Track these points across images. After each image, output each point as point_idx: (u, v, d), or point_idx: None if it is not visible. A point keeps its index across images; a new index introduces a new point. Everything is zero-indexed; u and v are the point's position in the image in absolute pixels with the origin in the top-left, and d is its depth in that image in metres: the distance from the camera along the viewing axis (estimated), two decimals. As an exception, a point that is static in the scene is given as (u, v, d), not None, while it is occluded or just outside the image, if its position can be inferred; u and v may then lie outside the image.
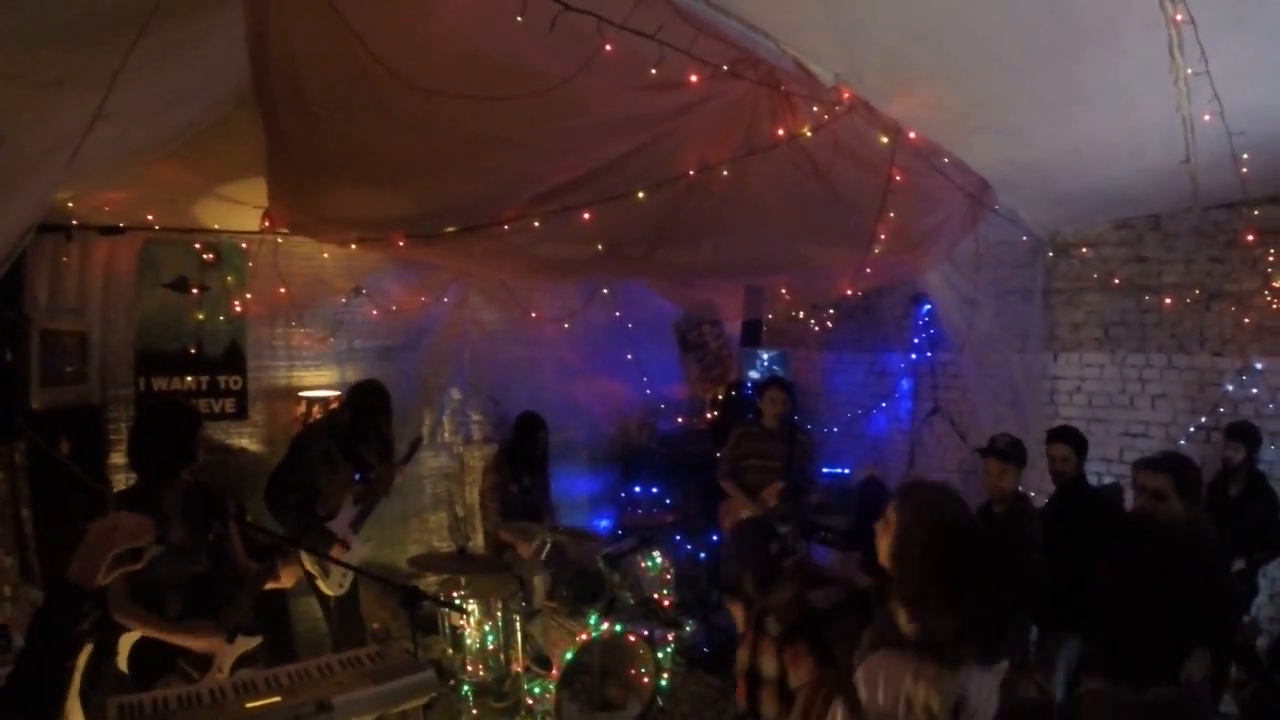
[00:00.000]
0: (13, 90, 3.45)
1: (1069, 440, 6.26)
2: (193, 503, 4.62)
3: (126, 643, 4.41)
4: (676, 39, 3.82)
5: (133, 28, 3.18)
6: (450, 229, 6.08)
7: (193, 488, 4.66)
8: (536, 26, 3.39)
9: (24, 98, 3.52)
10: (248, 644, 4.65)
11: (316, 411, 7.80)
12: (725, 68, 4.20)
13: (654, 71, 3.87)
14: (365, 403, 6.89)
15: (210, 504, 4.72)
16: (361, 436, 6.82)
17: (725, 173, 5.32)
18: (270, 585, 4.93)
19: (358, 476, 6.81)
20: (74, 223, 6.50)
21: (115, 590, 4.35)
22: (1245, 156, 5.62)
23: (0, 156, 3.63)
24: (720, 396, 10.83)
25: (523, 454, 8.27)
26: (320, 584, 6.50)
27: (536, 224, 5.88)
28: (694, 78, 4.12)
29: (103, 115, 3.53)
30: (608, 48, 3.60)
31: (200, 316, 7.53)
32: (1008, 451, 6.02)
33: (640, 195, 5.44)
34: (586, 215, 5.70)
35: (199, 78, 4.15)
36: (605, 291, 9.64)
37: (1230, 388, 7.64)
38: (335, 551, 6.36)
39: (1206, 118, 4.95)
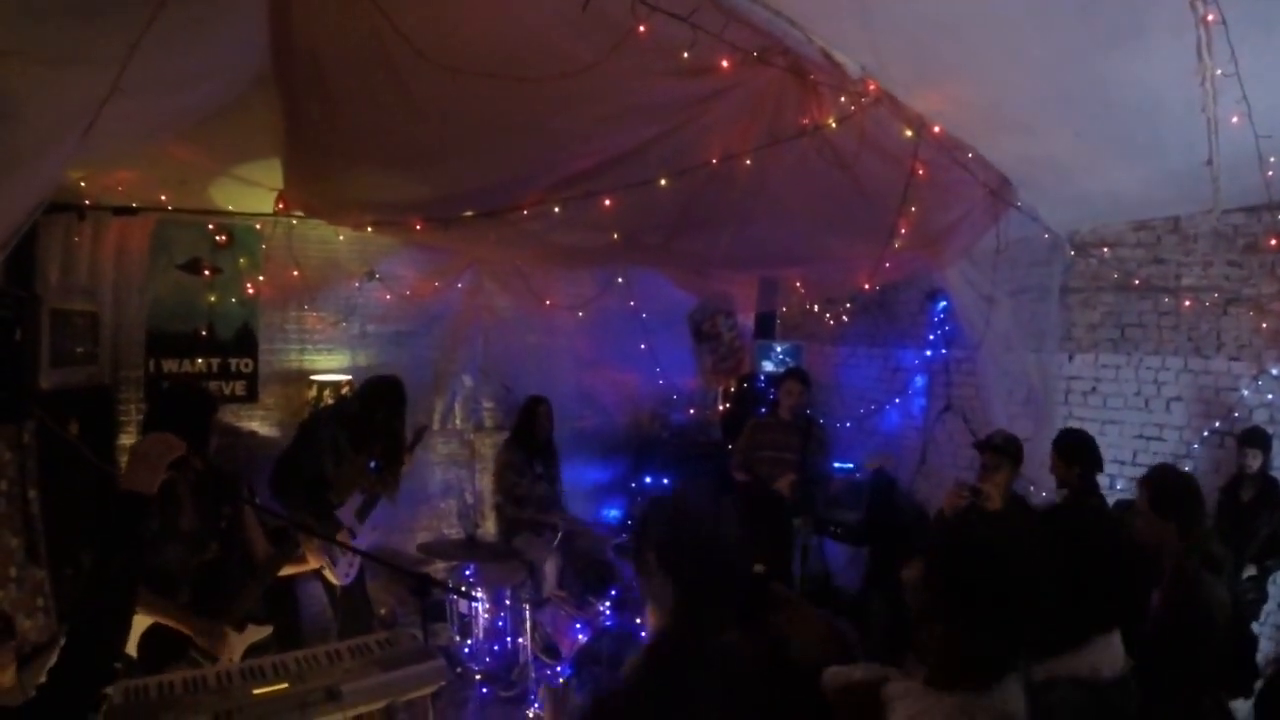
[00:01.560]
0: (25, 66, 3.41)
1: (1061, 449, 6.08)
2: (205, 488, 4.60)
3: (136, 628, 4.38)
4: (707, 24, 3.79)
5: (150, 3, 3.14)
6: (468, 214, 6.03)
7: (205, 472, 4.64)
8: (566, 8, 3.35)
9: (37, 74, 3.48)
10: (258, 633, 4.62)
11: (328, 396, 7.77)
12: (755, 54, 4.16)
13: (686, 56, 3.83)
14: (377, 398, 6.81)
15: (223, 489, 4.69)
16: (368, 432, 6.74)
17: (748, 162, 5.27)
18: (295, 568, 4.94)
19: (373, 464, 6.76)
20: (86, 202, 6.48)
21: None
22: (1272, 160, 5.56)
23: (10, 133, 3.60)
24: (733, 388, 10.80)
25: (528, 434, 8.26)
26: (328, 573, 6.44)
27: (556, 210, 5.84)
28: (725, 63, 4.09)
29: (119, 90, 3.49)
30: (640, 29, 3.56)
31: (212, 298, 7.53)
32: (1003, 447, 5.98)
33: (662, 182, 5.40)
34: (607, 202, 5.65)
35: (217, 55, 4.11)
36: (620, 280, 9.60)
37: (1246, 393, 7.57)
38: (341, 538, 6.32)
39: (1234, 119, 4.89)
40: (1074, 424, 8.03)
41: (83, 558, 5.95)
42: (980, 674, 2.29)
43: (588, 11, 3.33)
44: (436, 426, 8.77)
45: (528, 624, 6.81)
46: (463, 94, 4.12)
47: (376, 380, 6.94)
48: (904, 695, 2.37)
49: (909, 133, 5.23)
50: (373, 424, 6.64)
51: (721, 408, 10.92)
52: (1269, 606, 7.05)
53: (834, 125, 4.85)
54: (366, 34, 3.62)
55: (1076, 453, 6.05)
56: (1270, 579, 6.80)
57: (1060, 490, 6.22)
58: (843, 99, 4.77)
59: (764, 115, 4.90)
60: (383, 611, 7.68)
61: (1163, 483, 4.68)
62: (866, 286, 8.40)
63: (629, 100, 4.61)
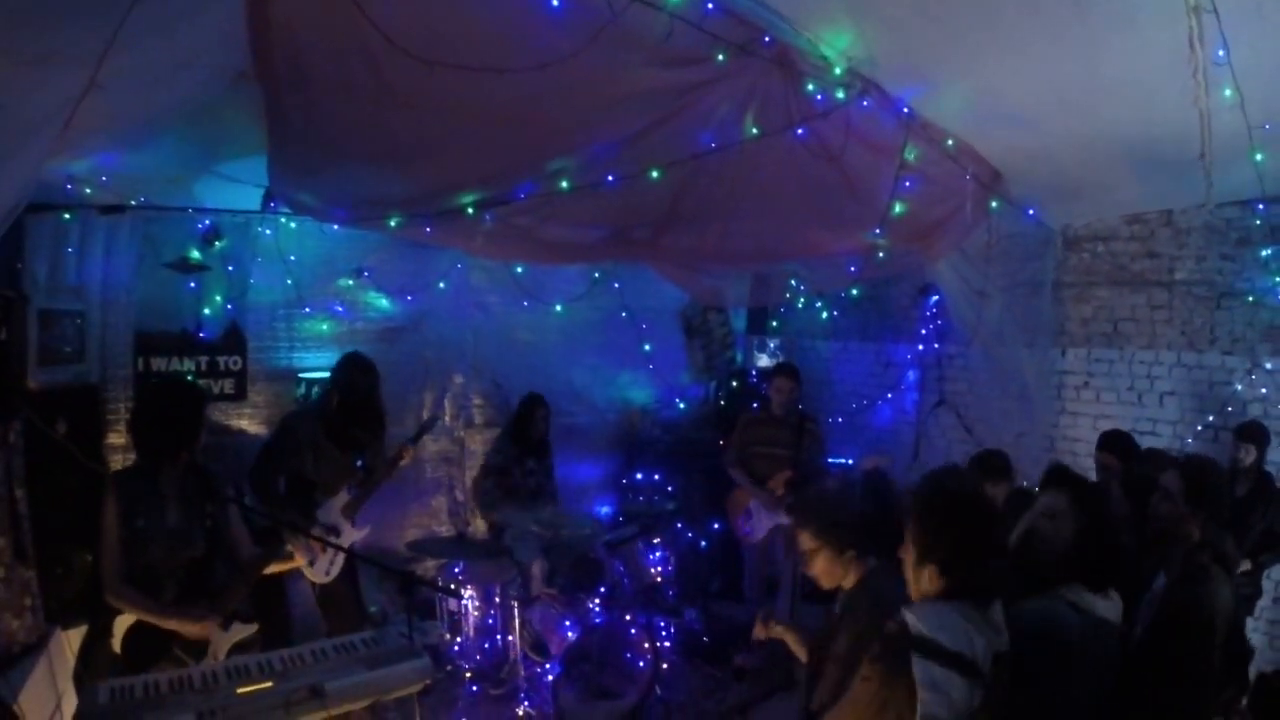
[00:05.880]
0: (1, 64, 3.39)
1: (1111, 445, 6.47)
2: (190, 485, 4.58)
3: (121, 625, 4.36)
4: (686, 15, 3.76)
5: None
6: (452, 208, 6.00)
7: (191, 470, 4.61)
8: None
9: (12, 72, 3.45)
10: (244, 632, 4.58)
11: (317, 394, 7.74)
12: (740, 45, 4.13)
13: (665, 45, 3.81)
14: (351, 379, 6.76)
15: (208, 487, 4.67)
16: (352, 416, 6.67)
17: (735, 155, 5.24)
18: (284, 566, 4.92)
19: (360, 464, 6.72)
20: (74, 201, 6.44)
21: (109, 572, 4.32)
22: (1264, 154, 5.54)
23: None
24: (725, 384, 10.79)
25: (524, 434, 8.24)
26: (306, 571, 6.40)
27: (543, 204, 5.80)
28: (706, 54, 4.06)
29: (96, 86, 3.46)
30: (616, 20, 3.54)
31: (201, 297, 7.46)
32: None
33: (654, 175, 5.37)
34: (592, 196, 5.62)
35: (196, 50, 4.07)
36: (611, 277, 9.58)
37: (1240, 387, 7.56)
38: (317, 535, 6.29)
39: (1227, 111, 4.86)
40: (1067, 419, 8.06)
41: (72, 557, 5.93)
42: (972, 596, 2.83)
43: (564, 2, 3.31)
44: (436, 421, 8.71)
45: (517, 621, 6.79)
46: (442, 87, 4.10)
47: (347, 361, 6.84)
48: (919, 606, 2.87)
49: (897, 125, 5.22)
50: (355, 407, 6.56)
51: (713, 403, 10.90)
52: (1263, 602, 7.05)
53: (822, 117, 4.82)
54: (344, 27, 3.59)
55: (1120, 442, 6.44)
56: (1265, 574, 6.79)
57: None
58: (830, 91, 4.75)
59: (751, 108, 4.88)
60: (374, 609, 7.64)
61: (1201, 473, 4.72)
62: (858, 280, 8.39)
63: (611, 92, 4.58)
